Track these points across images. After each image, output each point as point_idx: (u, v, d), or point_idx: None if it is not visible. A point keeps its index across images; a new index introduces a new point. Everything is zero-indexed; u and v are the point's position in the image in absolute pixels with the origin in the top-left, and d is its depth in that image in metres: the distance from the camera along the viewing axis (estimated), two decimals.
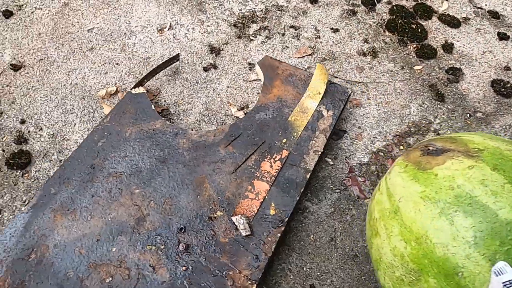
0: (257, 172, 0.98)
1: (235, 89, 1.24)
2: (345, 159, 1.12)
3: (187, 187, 0.96)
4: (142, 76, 1.24)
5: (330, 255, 0.95)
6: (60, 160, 1.07)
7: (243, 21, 1.42)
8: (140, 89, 1.14)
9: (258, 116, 1.08)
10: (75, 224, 0.90)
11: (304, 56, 1.34)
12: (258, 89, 1.24)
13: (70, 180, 0.97)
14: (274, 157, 1.01)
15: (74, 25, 1.36)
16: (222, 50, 1.33)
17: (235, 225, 0.90)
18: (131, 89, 1.13)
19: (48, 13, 1.39)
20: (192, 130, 1.05)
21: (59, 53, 1.29)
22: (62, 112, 1.16)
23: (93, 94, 1.20)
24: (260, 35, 1.38)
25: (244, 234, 0.88)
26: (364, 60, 1.34)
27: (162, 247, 0.88)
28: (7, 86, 1.20)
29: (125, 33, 1.36)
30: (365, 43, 1.38)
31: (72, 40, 1.33)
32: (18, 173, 1.04)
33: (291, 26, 1.42)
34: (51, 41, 1.32)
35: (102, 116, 1.16)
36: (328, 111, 1.10)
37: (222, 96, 1.22)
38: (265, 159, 1.00)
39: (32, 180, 1.03)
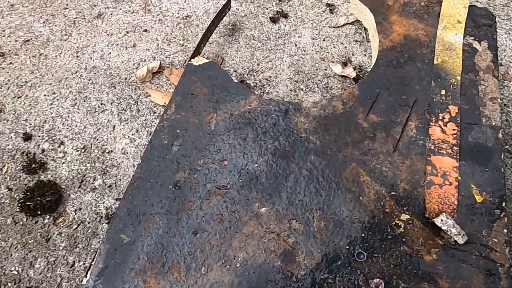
0: (429, 144, 0.66)
1: (324, 40, 0.88)
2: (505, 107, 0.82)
3: (337, 186, 0.62)
4: (197, 40, 0.84)
5: None
6: (110, 186, 0.67)
7: None
8: (202, 59, 0.76)
9: (390, 65, 0.75)
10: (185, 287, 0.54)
11: None
12: (354, 36, 0.90)
13: (148, 215, 0.59)
14: (441, 117, 0.69)
15: None
16: None
17: (441, 230, 0.58)
18: (189, 60, 0.75)
19: None
20: (305, 102, 0.70)
21: (52, 28, 0.86)
22: (87, 112, 0.75)
23: (126, 78, 0.79)
24: None
25: (461, 241, 0.56)
26: None
27: None
28: None
29: None
30: None
31: (65, 8, 0.89)
32: (46, 220, 0.63)
33: None
34: (33, 14, 0.87)
35: (150, 106, 0.76)
36: (480, 42, 0.78)
37: (310, 52, 0.86)
38: (430, 123, 0.68)
39: (74, 226, 0.63)
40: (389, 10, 0.82)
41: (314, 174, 0.63)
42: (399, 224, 0.59)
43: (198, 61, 0.76)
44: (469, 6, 0.82)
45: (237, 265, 0.55)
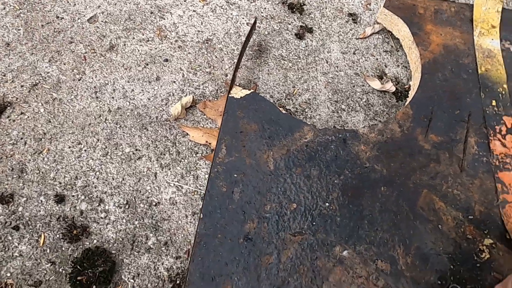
0: (493, 160, 0.64)
1: (354, 53, 0.85)
2: None
3: (414, 217, 0.59)
4: (224, 66, 0.78)
5: None
6: (165, 243, 0.61)
7: None
8: (242, 90, 0.70)
9: (437, 79, 0.72)
10: None
11: None
12: (383, 45, 0.87)
13: (224, 276, 0.53)
14: (498, 130, 0.67)
15: (62, 17, 0.83)
16: (304, 4, 0.92)
17: None
18: (228, 93, 0.69)
19: (5, 8, 0.82)
20: (361, 128, 0.67)
21: (61, 67, 0.77)
22: (122, 161, 0.67)
23: (157, 117, 0.72)
24: None
25: None
26: None
27: None
28: None
29: (151, 12, 0.86)
30: None
31: (71, 42, 0.80)
32: None
33: None
34: (34, 52, 0.78)
35: (191, 146, 0.70)
36: None
37: (343, 68, 0.83)
38: (489, 137, 0.67)
39: None
40: (422, 19, 0.80)
41: (388, 207, 0.60)
42: (484, 249, 0.58)
43: (238, 93, 0.70)
44: (504, 9, 0.82)
45: None
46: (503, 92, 0.71)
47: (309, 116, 0.76)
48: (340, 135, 0.65)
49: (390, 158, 0.63)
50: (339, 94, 0.79)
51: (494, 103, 0.70)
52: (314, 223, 0.57)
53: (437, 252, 0.56)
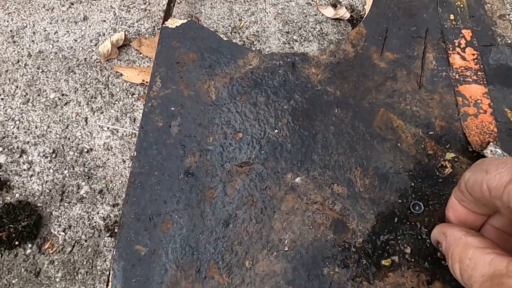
0: (453, 74, 0.60)
1: None
2: None
3: (371, 137, 0.54)
4: (162, 1, 0.70)
5: None
6: (100, 191, 0.54)
7: None
8: (177, 20, 0.62)
9: None
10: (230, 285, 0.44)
11: None
12: None
13: (163, 215, 0.47)
14: (457, 44, 0.63)
15: None
16: None
17: None
18: (163, 24, 0.61)
19: None
20: (311, 51, 0.61)
21: None
22: (46, 108, 0.59)
23: (86, 59, 0.64)
24: None
25: None
26: None
27: (408, 251, 0.48)
28: None
29: None
30: None
31: None
32: (29, 250, 0.50)
33: None
34: None
35: (126, 87, 0.62)
36: None
37: None
38: (449, 52, 0.62)
39: (68, 249, 0.50)
40: None
41: (343, 129, 0.55)
42: (446, 164, 0.54)
43: (174, 23, 0.62)
44: None
45: (286, 249, 0.47)
46: (461, 5, 0.67)
47: (258, 48, 0.69)
48: (288, 59, 0.59)
49: (344, 79, 0.58)
50: (290, 25, 0.73)
51: (452, 17, 0.65)
52: (262, 152, 0.52)
53: (396, 171, 0.52)
